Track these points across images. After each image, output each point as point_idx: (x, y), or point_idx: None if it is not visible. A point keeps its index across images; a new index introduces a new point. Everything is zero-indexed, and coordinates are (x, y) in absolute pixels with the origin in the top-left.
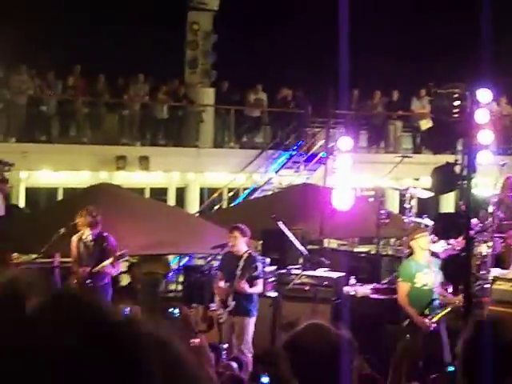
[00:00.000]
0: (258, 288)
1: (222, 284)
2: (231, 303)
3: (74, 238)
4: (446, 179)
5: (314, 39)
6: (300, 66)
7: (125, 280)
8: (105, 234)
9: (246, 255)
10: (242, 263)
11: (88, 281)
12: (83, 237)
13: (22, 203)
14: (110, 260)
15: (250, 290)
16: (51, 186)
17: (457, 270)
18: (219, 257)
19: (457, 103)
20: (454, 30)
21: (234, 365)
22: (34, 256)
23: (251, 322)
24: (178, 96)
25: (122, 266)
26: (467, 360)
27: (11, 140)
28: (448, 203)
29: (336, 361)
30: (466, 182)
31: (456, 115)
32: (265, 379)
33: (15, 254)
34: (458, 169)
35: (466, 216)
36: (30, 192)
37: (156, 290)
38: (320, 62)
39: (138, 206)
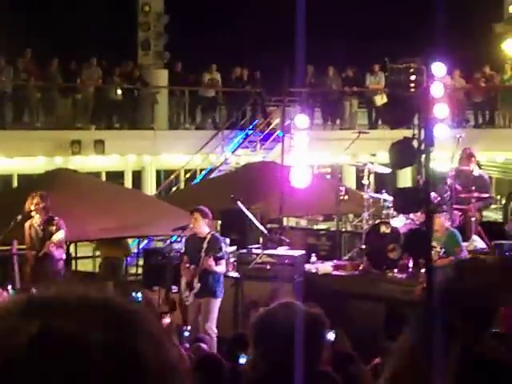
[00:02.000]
0: (222, 267)
1: (187, 266)
2: (197, 285)
3: (27, 225)
4: (404, 154)
5: (268, 16)
6: (254, 45)
7: (84, 266)
8: (55, 218)
9: (209, 236)
10: (205, 245)
11: (38, 265)
12: (33, 222)
13: None
14: (52, 239)
15: (215, 268)
16: (6, 172)
17: (416, 243)
18: (178, 239)
19: (413, 77)
20: (407, 3)
21: (204, 346)
22: None
23: (217, 303)
24: (132, 78)
25: (84, 250)
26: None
27: None
28: (405, 178)
29: (307, 339)
30: (424, 156)
31: (412, 89)
32: (243, 360)
33: None
34: (415, 143)
35: (425, 190)
36: None
37: (116, 273)
38: (274, 39)
39: (95, 190)
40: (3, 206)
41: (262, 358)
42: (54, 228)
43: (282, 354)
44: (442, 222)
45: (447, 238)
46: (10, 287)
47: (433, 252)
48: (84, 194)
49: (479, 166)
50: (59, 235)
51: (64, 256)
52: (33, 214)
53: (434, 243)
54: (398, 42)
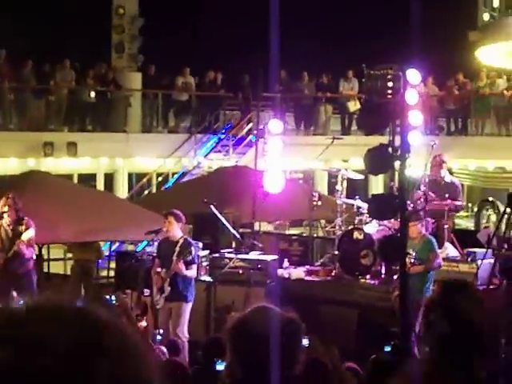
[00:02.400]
0: (193, 272)
1: (159, 270)
2: (167, 289)
3: None
4: (379, 160)
5: (243, 21)
6: (228, 49)
7: (56, 267)
8: (24, 218)
9: (181, 240)
10: (177, 249)
11: (8, 266)
12: (3, 222)
13: None
14: (22, 238)
15: (185, 272)
16: None
17: (391, 250)
18: (150, 242)
19: (390, 84)
20: (383, 9)
21: (164, 349)
22: None
23: (188, 308)
24: (106, 81)
25: (56, 253)
26: (429, 321)
27: None
28: (377, 184)
29: (284, 343)
30: (400, 162)
31: (389, 96)
32: (220, 366)
33: None
34: (390, 150)
35: (400, 197)
36: None
37: (88, 276)
38: (248, 44)
39: (67, 193)
40: None
41: (239, 363)
42: (24, 227)
43: (259, 359)
44: (418, 228)
45: (423, 244)
46: None
47: (406, 258)
48: (56, 196)
49: (451, 172)
50: (29, 233)
51: (34, 256)
52: (4, 215)
53: (409, 250)
54: (372, 48)
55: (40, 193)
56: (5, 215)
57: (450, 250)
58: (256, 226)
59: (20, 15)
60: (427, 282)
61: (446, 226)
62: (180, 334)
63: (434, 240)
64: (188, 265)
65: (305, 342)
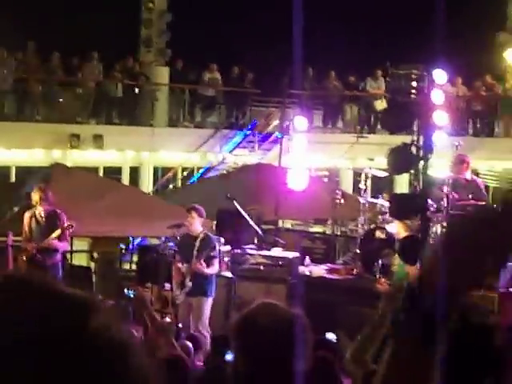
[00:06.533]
0: (215, 268)
1: (179, 266)
2: (188, 284)
3: (27, 215)
4: (402, 159)
5: (269, 17)
6: (255, 45)
7: (78, 260)
8: (58, 211)
9: (201, 235)
10: (197, 243)
11: (37, 256)
12: (36, 212)
13: None
14: (58, 232)
15: (206, 271)
16: (4, 164)
17: (413, 250)
18: (173, 237)
19: (414, 84)
20: (410, 8)
21: (189, 344)
22: None
23: (208, 303)
24: (133, 74)
25: (80, 245)
26: None
27: None
28: (402, 184)
29: (288, 339)
30: (422, 162)
31: (413, 96)
32: (229, 356)
33: None
34: (414, 149)
35: (422, 197)
36: None
37: (111, 269)
38: (275, 40)
39: (92, 187)
40: (1, 197)
41: (242, 358)
42: (57, 221)
43: (261, 354)
44: None
45: None
46: None
47: None
48: (80, 189)
49: (476, 174)
50: (58, 231)
51: (68, 247)
52: (37, 205)
53: None
54: (400, 48)
55: (64, 186)
56: (39, 207)
57: None
58: (279, 223)
59: (48, 7)
60: None
61: None
62: (201, 329)
63: None
64: (210, 260)
65: (331, 336)
